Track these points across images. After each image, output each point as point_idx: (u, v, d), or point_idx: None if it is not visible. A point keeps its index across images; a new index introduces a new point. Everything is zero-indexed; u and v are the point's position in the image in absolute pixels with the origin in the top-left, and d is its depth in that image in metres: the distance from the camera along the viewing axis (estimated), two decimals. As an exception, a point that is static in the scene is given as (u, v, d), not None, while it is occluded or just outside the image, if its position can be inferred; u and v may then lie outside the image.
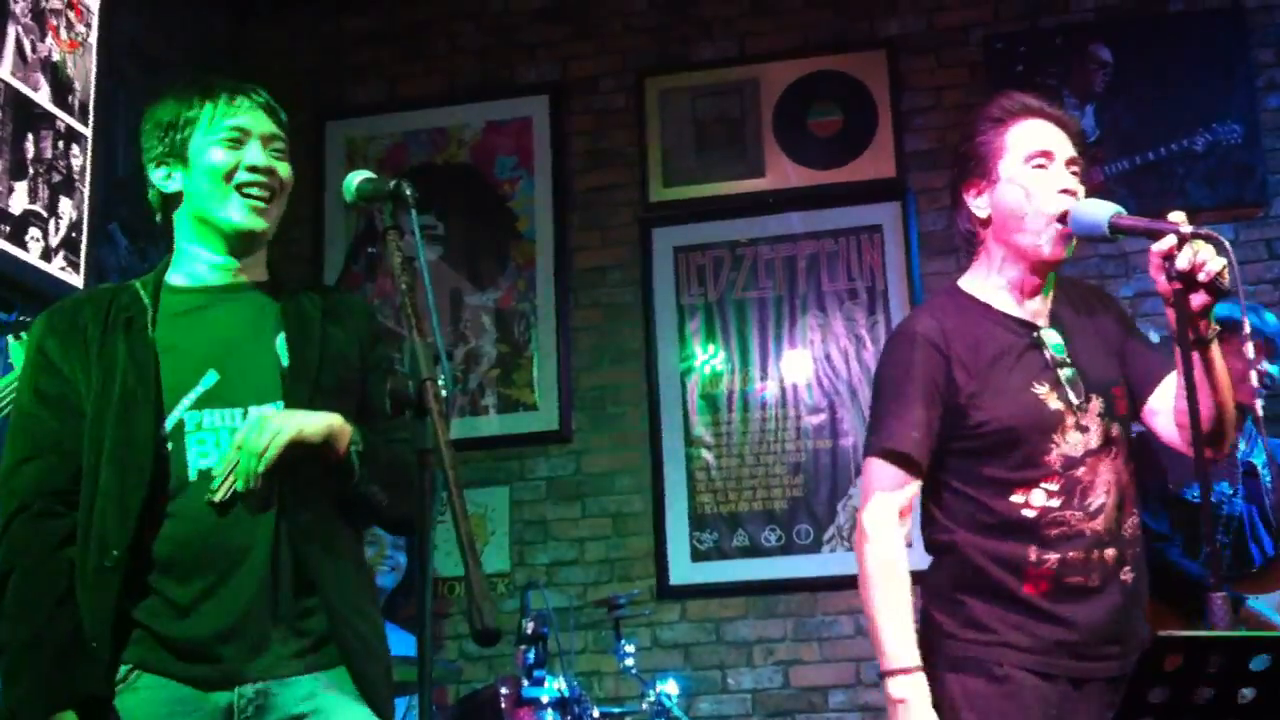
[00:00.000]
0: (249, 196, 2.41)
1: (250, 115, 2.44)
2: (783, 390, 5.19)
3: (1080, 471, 2.60)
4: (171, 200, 2.47)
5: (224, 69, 2.53)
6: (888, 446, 2.65)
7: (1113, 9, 5.27)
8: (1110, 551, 2.60)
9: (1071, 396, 2.63)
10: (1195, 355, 2.37)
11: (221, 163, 2.40)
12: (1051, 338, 2.69)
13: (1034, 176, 2.64)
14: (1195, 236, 2.33)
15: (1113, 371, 2.71)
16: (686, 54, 5.56)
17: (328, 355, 2.42)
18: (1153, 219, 2.43)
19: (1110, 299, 2.90)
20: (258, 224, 2.43)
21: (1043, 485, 2.59)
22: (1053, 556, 2.57)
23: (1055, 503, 2.58)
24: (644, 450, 5.22)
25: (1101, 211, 2.52)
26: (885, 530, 2.63)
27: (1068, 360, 2.67)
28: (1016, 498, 2.60)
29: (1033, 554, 2.57)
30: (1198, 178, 5.03)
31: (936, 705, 2.60)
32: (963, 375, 2.64)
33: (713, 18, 5.57)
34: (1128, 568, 2.62)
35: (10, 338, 3.29)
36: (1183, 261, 2.33)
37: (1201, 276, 2.33)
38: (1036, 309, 2.72)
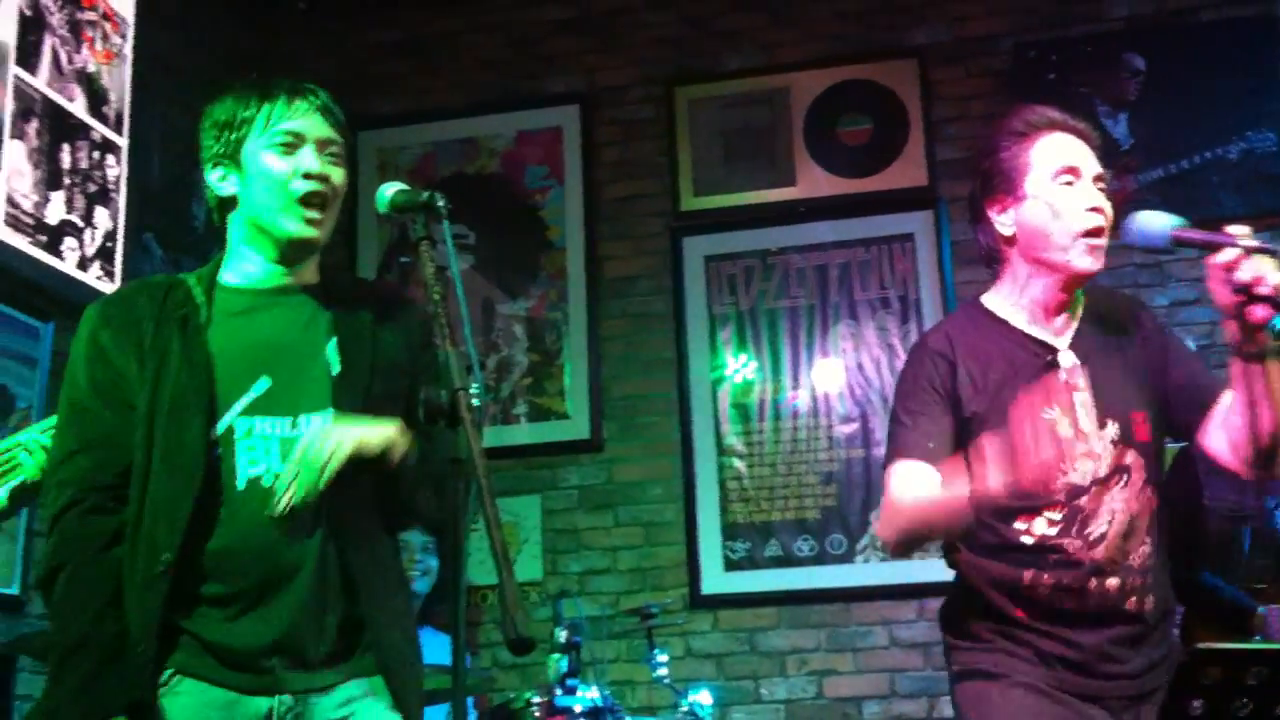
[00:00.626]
0: (305, 205, 2.36)
1: (307, 119, 2.38)
2: (814, 399, 5.18)
3: (1083, 500, 2.55)
4: (227, 203, 2.42)
5: (256, 81, 2.45)
6: (901, 458, 2.59)
7: (1144, 18, 5.25)
8: (1112, 581, 2.53)
9: (1084, 423, 2.57)
10: (1256, 369, 2.34)
11: (276, 171, 2.36)
12: (1068, 360, 2.62)
13: (1062, 194, 2.59)
14: (1256, 250, 2.30)
15: (1132, 395, 2.62)
16: (714, 64, 5.57)
17: (379, 362, 2.39)
18: (1213, 231, 2.38)
19: (1145, 313, 2.80)
20: (311, 234, 2.38)
21: (1045, 514, 2.55)
22: (1047, 580, 2.53)
23: (1054, 531, 2.54)
24: (675, 459, 5.22)
25: (1163, 224, 2.46)
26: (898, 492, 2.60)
27: (1084, 384, 2.60)
28: (1019, 524, 2.55)
29: (1027, 577, 2.54)
30: (1231, 186, 5.00)
31: (957, 713, 2.65)
32: (969, 391, 2.60)
33: (738, 28, 5.58)
34: (1134, 598, 2.55)
35: None
36: (1245, 274, 2.28)
37: (1263, 290, 2.28)
38: (1059, 327, 2.66)
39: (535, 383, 5.41)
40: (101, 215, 4.26)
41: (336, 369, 2.35)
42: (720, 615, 5.09)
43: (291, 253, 2.40)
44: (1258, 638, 3.74)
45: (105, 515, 2.27)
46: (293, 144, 2.37)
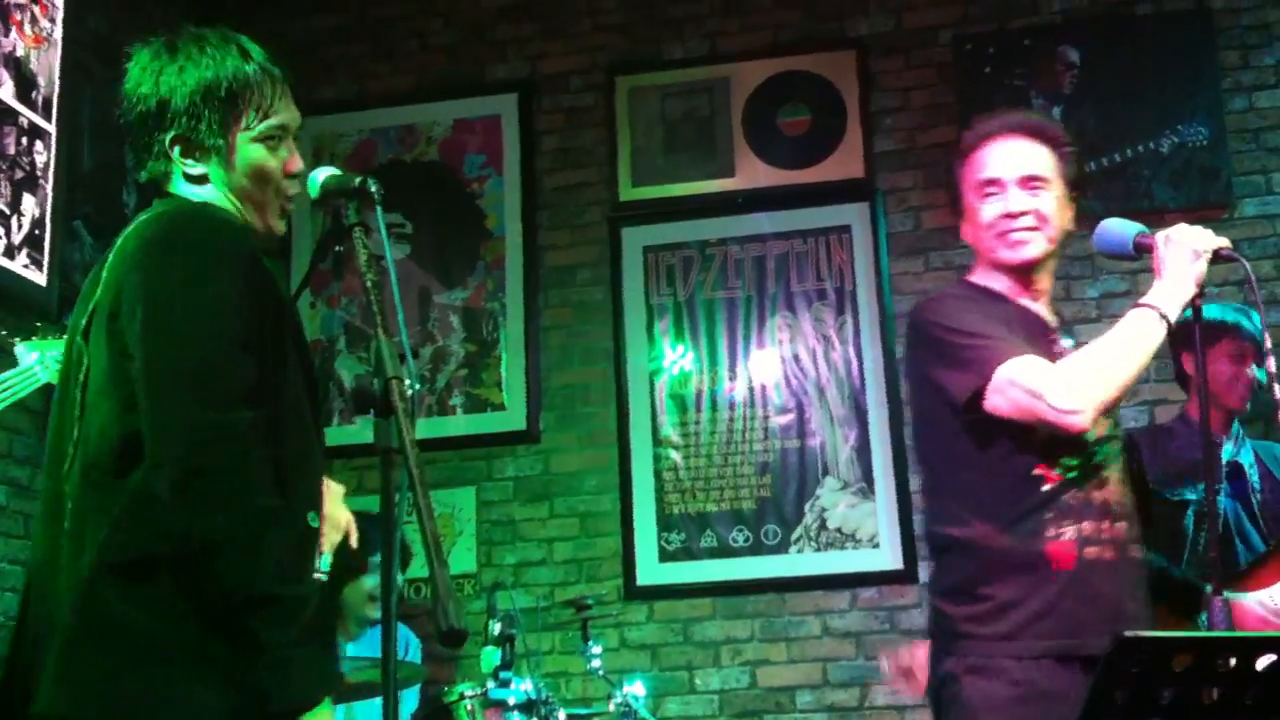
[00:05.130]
0: (285, 206, 2.33)
1: (290, 110, 2.33)
2: (751, 390, 5.19)
3: (1094, 451, 2.68)
4: (195, 179, 2.28)
5: (232, 40, 2.33)
6: (1012, 355, 2.62)
7: (1081, 10, 5.29)
8: (1121, 525, 2.68)
9: None
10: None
11: (268, 167, 2.28)
12: (1062, 329, 2.84)
13: (985, 208, 2.80)
14: (1215, 258, 2.61)
15: None
16: (657, 53, 5.55)
17: None
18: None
19: None
20: (282, 229, 2.37)
21: (1063, 460, 2.65)
22: (1070, 529, 2.63)
23: (1073, 475, 2.65)
24: (612, 450, 5.21)
25: (1126, 230, 2.69)
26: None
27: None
28: (1036, 473, 2.65)
29: (1051, 529, 2.63)
30: (1163, 179, 5.05)
31: (954, 707, 2.63)
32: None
33: (683, 17, 5.57)
34: (1135, 545, 2.71)
35: (18, 339, 3.24)
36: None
37: None
38: (1045, 311, 2.86)
39: (472, 373, 5.38)
40: (29, 202, 4.19)
41: None
42: (655, 606, 5.09)
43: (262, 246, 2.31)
44: (1203, 616, 3.78)
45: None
46: (280, 138, 2.31)
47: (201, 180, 2.27)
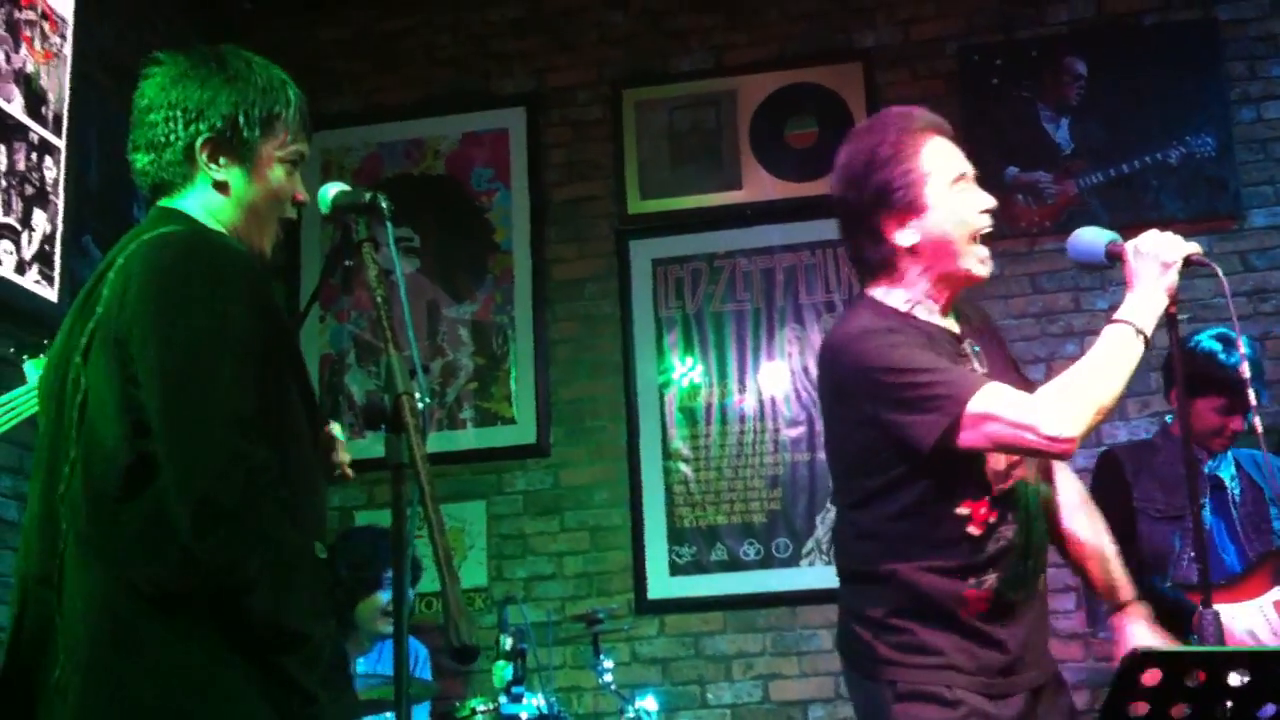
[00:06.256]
0: (282, 227, 2.37)
1: (308, 145, 2.38)
2: (761, 403, 5.19)
3: (1008, 484, 2.59)
4: (221, 186, 2.29)
5: (267, 68, 2.39)
6: (978, 386, 2.48)
7: (1087, 22, 5.29)
8: (1030, 562, 2.62)
9: None
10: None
11: (282, 190, 2.32)
12: (973, 348, 2.68)
13: (961, 200, 2.61)
14: (1186, 266, 2.50)
15: (1014, 383, 2.63)
16: (663, 66, 5.56)
17: None
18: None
19: (990, 319, 2.90)
20: (270, 253, 2.39)
21: (987, 498, 2.56)
22: (991, 577, 2.55)
23: (994, 519, 2.56)
24: (622, 464, 5.21)
25: (1099, 239, 2.59)
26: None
27: (988, 373, 2.62)
28: (962, 510, 2.55)
29: (972, 579, 2.55)
30: (1171, 190, 5.04)
31: None
32: None
33: (689, 30, 5.58)
34: (1041, 576, 2.67)
35: (26, 356, 3.24)
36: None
37: None
38: (951, 323, 2.70)
39: (481, 387, 5.38)
40: (39, 218, 4.20)
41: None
42: (666, 620, 5.08)
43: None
44: (1193, 638, 3.77)
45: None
46: (298, 165, 2.34)
47: (223, 188, 2.28)
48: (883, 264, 2.66)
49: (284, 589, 2.02)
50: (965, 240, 2.60)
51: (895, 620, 2.57)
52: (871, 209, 2.63)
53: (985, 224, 2.62)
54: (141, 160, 2.30)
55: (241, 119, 2.26)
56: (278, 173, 2.31)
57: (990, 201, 2.64)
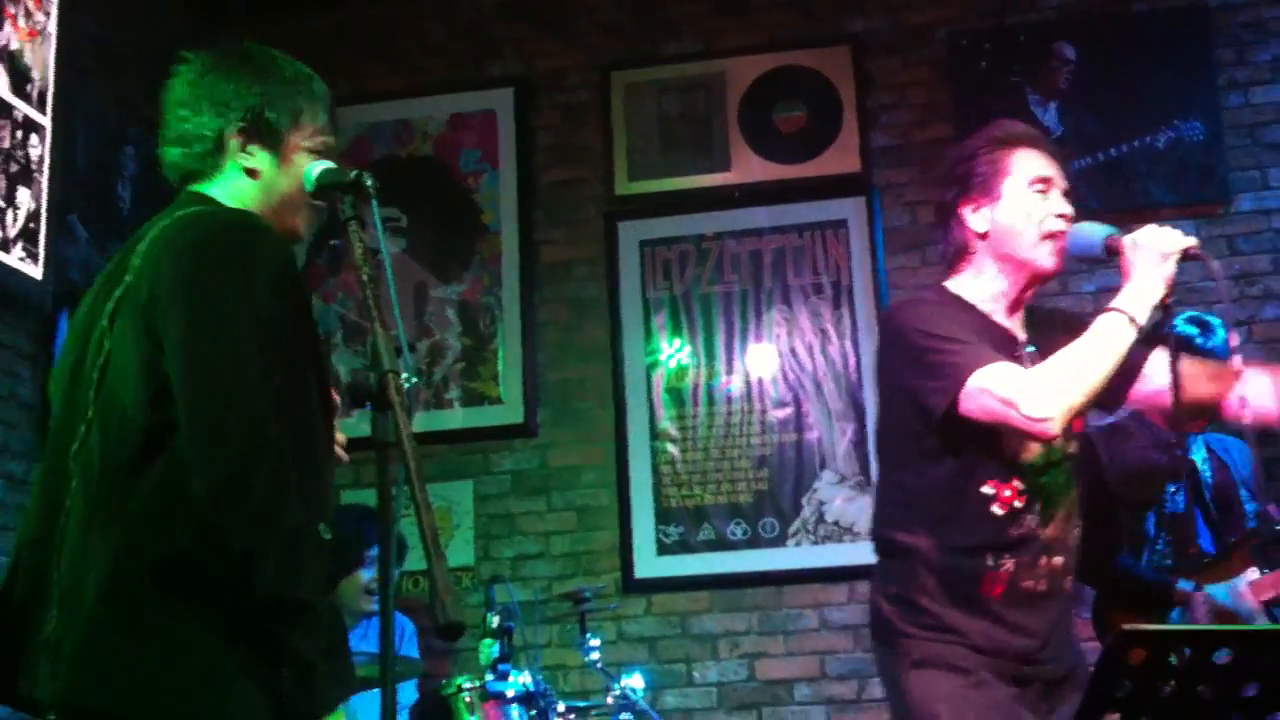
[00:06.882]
0: (313, 213, 2.39)
1: (334, 138, 2.41)
2: (748, 384, 5.19)
3: (1045, 479, 2.69)
4: (252, 171, 2.33)
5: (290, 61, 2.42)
6: (984, 363, 2.58)
7: (1076, 7, 5.29)
8: (1058, 559, 2.70)
9: None
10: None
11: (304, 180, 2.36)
12: (1030, 351, 2.76)
13: (1036, 199, 2.74)
14: (1184, 259, 2.59)
15: None
16: (653, 49, 5.55)
17: None
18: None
19: (1061, 317, 2.96)
20: (303, 235, 2.44)
21: (1014, 483, 2.66)
22: (1009, 561, 2.65)
23: (1020, 504, 2.66)
24: (609, 444, 5.21)
25: (1096, 233, 2.68)
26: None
27: None
28: (987, 490, 2.65)
29: (990, 558, 2.65)
30: (1159, 176, 5.05)
31: (903, 704, 2.64)
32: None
33: (679, 14, 5.57)
34: (1069, 577, 2.74)
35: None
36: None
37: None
38: (1016, 325, 2.80)
39: (469, 367, 5.38)
40: (24, 195, 4.18)
41: None
42: (653, 599, 5.09)
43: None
44: (1174, 613, 3.81)
45: None
46: (324, 156, 2.36)
47: (253, 174, 2.30)
48: (959, 252, 2.81)
49: (291, 564, 2.03)
50: (1034, 235, 2.72)
51: (917, 598, 2.68)
52: (955, 198, 2.81)
53: (1057, 226, 2.73)
54: (172, 154, 2.33)
55: (269, 108, 2.30)
56: (305, 160, 2.33)
57: (1066, 209, 2.75)
